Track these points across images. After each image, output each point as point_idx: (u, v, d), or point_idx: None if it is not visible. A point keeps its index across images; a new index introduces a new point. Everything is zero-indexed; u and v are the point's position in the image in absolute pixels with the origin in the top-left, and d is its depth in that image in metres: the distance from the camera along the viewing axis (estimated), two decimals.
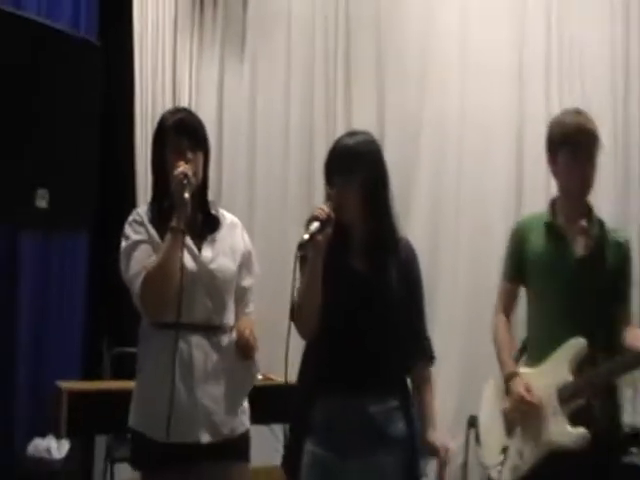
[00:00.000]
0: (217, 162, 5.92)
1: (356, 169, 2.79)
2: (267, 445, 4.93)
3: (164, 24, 5.98)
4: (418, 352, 2.93)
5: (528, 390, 3.19)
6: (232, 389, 3.01)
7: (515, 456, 3.27)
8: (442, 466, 2.85)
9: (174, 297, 2.83)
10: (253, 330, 3.01)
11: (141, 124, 5.85)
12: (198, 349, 2.93)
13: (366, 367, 2.79)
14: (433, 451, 2.84)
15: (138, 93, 5.87)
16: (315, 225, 2.67)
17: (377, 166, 2.87)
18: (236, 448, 3.01)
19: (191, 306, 2.91)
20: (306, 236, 2.65)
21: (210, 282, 2.96)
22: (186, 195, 2.83)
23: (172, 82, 6.06)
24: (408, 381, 2.92)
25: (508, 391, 3.27)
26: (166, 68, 6.01)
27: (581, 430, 3.10)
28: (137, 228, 2.97)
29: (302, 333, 2.80)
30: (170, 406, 2.82)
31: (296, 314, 2.76)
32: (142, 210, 3.04)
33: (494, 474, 3.35)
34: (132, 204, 5.54)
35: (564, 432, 3.13)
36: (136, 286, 2.86)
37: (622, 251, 3.34)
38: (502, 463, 3.29)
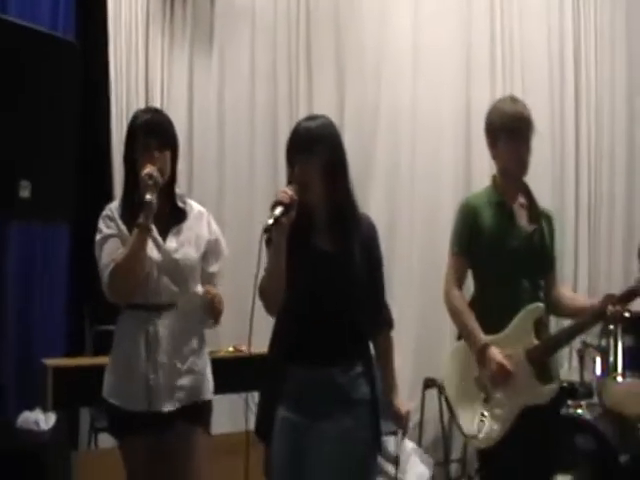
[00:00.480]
0: (188, 152, 5.91)
1: (317, 149, 2.79)
2: (237, 412, 4.99)
3: (137, 23, 5.94)
4: (380, 322, 2.98)
5: (505, 357, 3.23)
6: (196, 363, 3.08)
7: (492, 420, 3.30)
8: (403, 428, 2.91)
9: (138, 286, 2.94)
10: (219, 294, 3.05)
11: (116, 119, 5.82)
12: (164, 327, 3.01)
13: (330, 340, 2.82)
14: (396, 415, 2.89)
15: (113, 89, 5.83)
16: (279, 209, 2.67)
17: (336, 147, 2.86)
18: (198, 416, 3.08)
19: (157, 290, 3.00)
20: (270, 220, 2.65)
21: (174, 270, 3.02)
22: (148, 197, 2.87)
23: (145, 78, 6.02)
24: (371, 347, 2.96)
25: (482, 361, 3.27)
26: (139, 65, 5.97)
27: (552, 385, 3.22)
28: (108, 223, 3.05)
29: (269, 310, 2.83)
30: (147, 379, 2.91)
31: (262, 293, 2.79)
32: (114, 206, 3.11)
33: (473, 441, 3.38)
34: (110, 195, 5.53)
35: (537, 391, 3.21)
36: (105, 277, 2.96)
37: (550, 222, 3.46)
38: (481, 429, 3.31)
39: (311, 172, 2.78)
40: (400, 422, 2.91)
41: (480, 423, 3.31)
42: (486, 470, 3.48)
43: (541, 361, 3.24)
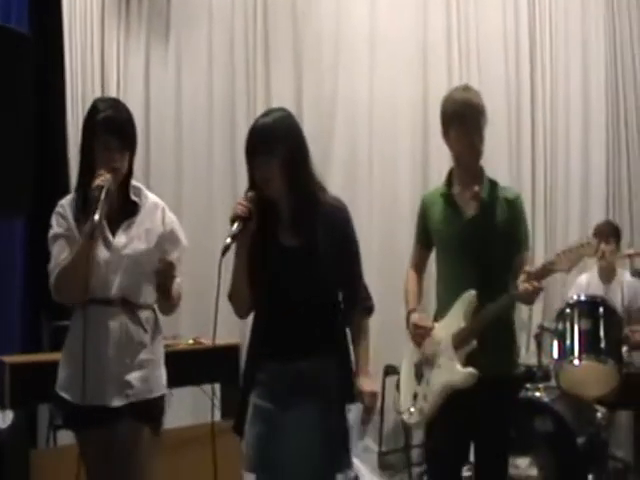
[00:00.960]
0: (145, 144, 5.87)
1: (276, 146, 2.77)
2: (200, 404, 4.98)
3: (92, 14, 5.88)
4: (355, 306, 2.98)
5: (423, 319, 3.38)
6: (146, 359, 3.06)
7: (422, 400, 3.40)
8: (368, 410, 2.93)
9: (83, 290, 2.91)
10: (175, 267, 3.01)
11: (72, 112, 5.76)
12: (114, 321, 2.99)
13: (300, 333, 2.83)
14: (361, 396, 2.90)
15: (68, 81, 5.78)
16: (236, 226, 2.71)
17: (295, 140, 2.85)
18: (148, 413, 3.05)
19: (108, 285, 2.99)
20: (228, 240, 2.70)
21: (123, 265, 3.00)
22: (96, 217, 2.83)
23: (101, 70, 5.98)
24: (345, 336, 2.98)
25: (407, 325, 3.43)
26: (95, 57, 5.92)
27: (469, 369, 3.23)
28: (60, 220, 3.03)
29: (238, 313, 2.91)
30: (83, 371, 2.87)
31: (230, 298, 2.86)
32: (66, 202, 3.08)
33: (405, 417, 3.51)
34: (66, 187, 5.48)
35: (455, 372, 3.25)
36: (51, 280, 2.97)
37: (513, 206, 3.42)
38: (412, 407, 3.43)
39: (271, 170, 2.78)
40: (362, 399, 2.91)
41: (412, 401, 3.44)
42: (426, 446, 3.72)
43: (465, 342, 3.27)
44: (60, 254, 2.97)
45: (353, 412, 2.97)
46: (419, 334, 3.39)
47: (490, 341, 3.27)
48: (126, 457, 3.00)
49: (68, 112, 5.77)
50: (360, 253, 2.97)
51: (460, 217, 3.38)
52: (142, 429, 3.01)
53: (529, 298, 3.16)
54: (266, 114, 2.92)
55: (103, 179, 2.89)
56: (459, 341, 3.28)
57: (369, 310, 3.02)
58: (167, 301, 3.08)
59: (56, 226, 3.03)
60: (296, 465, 2.80)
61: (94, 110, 3.02)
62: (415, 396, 3.43)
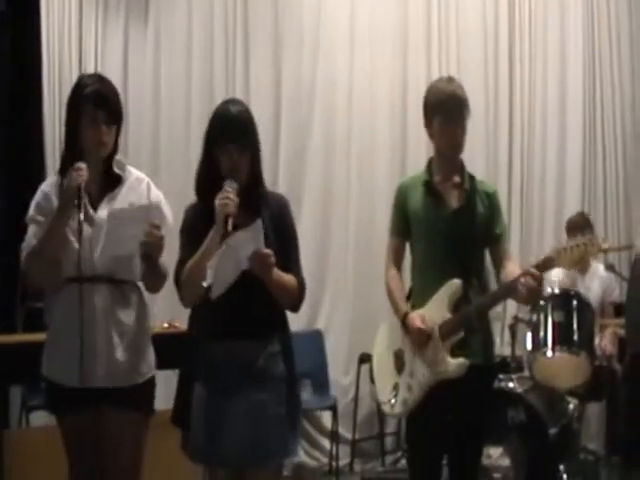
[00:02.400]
0: (122, 127, 5.80)
1: (250, 138, 2.85)
2: (173, 389, 4.94)
3: None
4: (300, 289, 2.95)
5: (423, 321, 3.27)
6: (134, 339, 3.00)
7: (405, 391, 3.35)
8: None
9: (52, 273, 2.88)
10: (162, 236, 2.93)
11: (48, 94, 5.69)
12: (100, 300, 2.93)
13: (243, 317, 2.83)
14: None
15: (45, 63, 5.70)
16: (230, 225, 2.70)
17: (257, 135, 2.92)
18: (138, 396, 3.01)
19: (92, 262, 2.91)
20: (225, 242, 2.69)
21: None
22: (81, 216, 2.78)
23: (78, 49, 5.90)
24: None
25: (406, 328, 3.32)
26: (72, 38, 5.85)
27: (460, 360, 3.22)
28: (36, 206, 2.97)
29: (185, 302, 2.90)
30: (81, 353, 2.80)
31: (182, 286, 2.85)
32: (48, 186, 3.01)
33: (387, 408, 3.46)
34: (42, 167, 5.42)
35: (445, 363, 3.23)
36: (21, 262, 2.92)
37: (491, 200, 3.44)
38: (393, 398, 3.38)
39: (244, 160, 2.83)
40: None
41: (392, 392, 3.39)
42: (408, 438, 3.57)
43: (452, 335, 3.26)
44: (31, 237, 2.92)
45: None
46: (422, 339, 3.29)
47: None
48: (116, 446, 2.95)
49: (45, 92, 5.69)
50: (299, 244, 3.00)
51: (443, 207, 3.37)
52: (131, 416, 2.97)
53: (531, 294, 3.13)
54: (236, 103, 2.95)
55: (80, 177, 2.81)
56: (446, 332, 3.26)
57: (301, 298, 2.95)
58: (154, 275, 3.00)
59: (32, 210, 2.97)
60: (244, 451, 2.79)
61: (80, 85, 2.98)
62: (395, 386, 3.39)
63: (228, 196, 2.74)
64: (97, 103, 2.89)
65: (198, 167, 2.96)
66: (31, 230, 2.95)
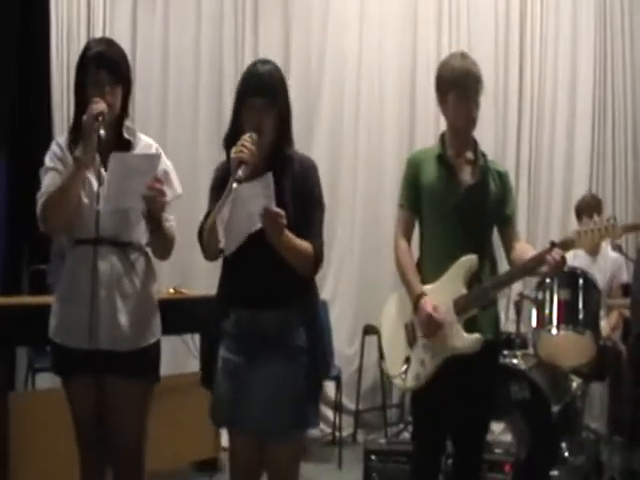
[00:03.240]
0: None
1: (279, 96, 2.80)
2: (179, 354, 4.95)
3: None
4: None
5: (436, 310, 3.22)
6: (138, 303, 2.97)
7: (417, 365, 3.31)
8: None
9: (70, 219, 2.83)
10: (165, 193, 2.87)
11: (57, 58, 5.65)
12: (104, 262, 2.89)
13: (265, 283, 2.78)
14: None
15: (54, 28, 5.66)
16: (242, 171, 2.63)
17: (288, 97, 2.86)
18: (142, 361, 2.98)
19: (98, 223, 2.85)
20: (235, 185, 2.61)
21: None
22: (102, 132, 2.74)
23: (87, 18, 5.86)
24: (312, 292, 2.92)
25: (416, 310, 3.27)
26: (81, 4, 5.81)
27: (476, 335, 3.20)
28: (53, 157, 2.94)
29: (209, 255, 2.82)
30: (91, 315, 2.78)
31: (203, 240, 2.79)
32: (62, 139, 3.00)
33: (398, 382, 3.41)
34: (49, 130, 5.37)
35: (461, 338, 3.21)
36: (38, 208, 2.86)
37: (503, 180, 3.43)
38: (405, 372, 3.34)
39: (268, 119, 2.76)
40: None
41: (404, 366, 3.35)
42: (414, 413, 3.54)
43: (467, 310, 3.24)
44: (50, 185, 2.87)
45: None
46: (429, 327, 3.25)
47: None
48: (120, 409, 2.93)
49: (53, 59, 5.66)
50: (324, 211, 2.90)
51: (457, 182, 3.33)
52: (135, 380, 2.93)
53: (556, 269, 3.11)
54: (264, 62, 2.89)
55: (100, 106, 2.78)
56: (462, 307, 3.23)
57: (319, 263, 2.87)
58: (159, 239, 2.95)
59: (49, 161, 2.94)
60: (264, 421, 2.77)
61: (86, 48, 2.97)
62: (407, 360, 3.34)
63: (244, 144, 2.68)
64: (100, 63, 2.87)
65: (228, 126, 2.90)
66: (48, 177, 2.90)
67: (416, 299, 3.27)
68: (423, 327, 3.27)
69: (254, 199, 2.63)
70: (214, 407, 2.89)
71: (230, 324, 2.85)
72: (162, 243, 2.99)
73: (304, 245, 2.76)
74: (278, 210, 2.63)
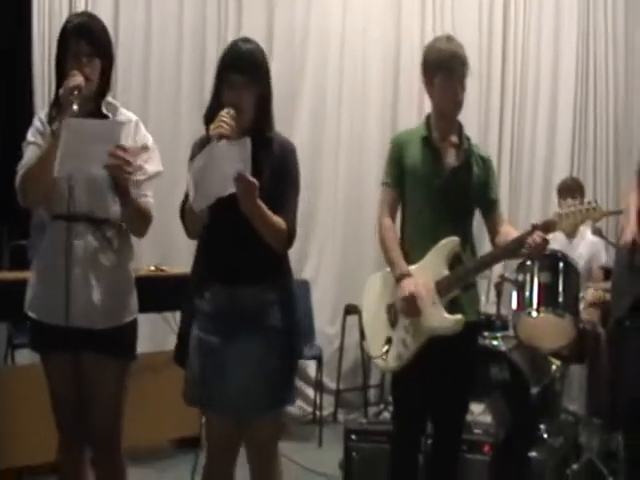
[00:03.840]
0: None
1: (260, 74, 2.79)
2: (158, 332, 4.92)
3: None
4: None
5: (418, 291, 3.22)
6: (114, 281, 2.94)
7: (399, 345, 3.32)
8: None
9: (48, 192, 2.80)
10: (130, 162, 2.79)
11: (38, 28, 5.56)
12: (78, 238, 2.86)
13: (240, 261, 2.78)
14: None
15: (35, 5, 5.56)
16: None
17: (269, 76, 2.85)
18: (118, 339, 2.94)
19: (72, 199, 2.83)
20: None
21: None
22: (75, 107, 2.68)
23: None
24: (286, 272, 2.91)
25: (399, 287, 3.27)
26: None
27: (458, 316, 3.21)
28: (35, 132, 2.92)
29: (192, 233, 2.82)
30: (66, 292, 2.76)
31: (187, 216, 2.77)
32: (43, 114, 2.97)
33: (380, 362, 3.41)
34: (30, 107, 5.31)
35: (442, 319, 3.22)
36: (16, 180, 2.83)
37: (487, 165, 3.45)
38: (387, 352, 3.33)
39: (248, 97, 2.75)
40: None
41: (386, 346, 3.34)
42: (395, 393, 3.54)
43: (449, 291, 3.25)
44: (29, 157, 2.84)
45: None
46: (409, 308, 3.24)
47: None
48: (96, 388, 2.92)
49: (34, 30, 5.55)
50: (298, 193, 2.89)
51: (441, 164, 3.34)
52: (111, 358, 2.91)
53: (538, 251, 3.11)
54: (248, 41, 2.88)
55: (76, 80, 2.74)
56: (443, 288, 3.24)
57: (290, 241, 2.85)
58: (131, 212, 2.87)
59: (31, 135, 2.91)
60: (240, 400, 2.76)
61: (67, 21, 2.96)
62: (389, 340, 3.34)
63: (222, 119, 2.66)
64: (79, 34, 2.85)
65: (209, 102, 2.87)
66: (29, 151, 2.87)
67: (400, 277, 3.27)
68: (404, 306, 3.26)
69: (230, 161, 2.60)
70: (187, 386, 2.87)
71: (205, 303, 2.83)
72: (135, 218, 2.93)
73: (277, 219, 2.75)
74: (253, 179, 2.61)
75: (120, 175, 2.76)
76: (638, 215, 3.49)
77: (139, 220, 2.94)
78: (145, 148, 2.97)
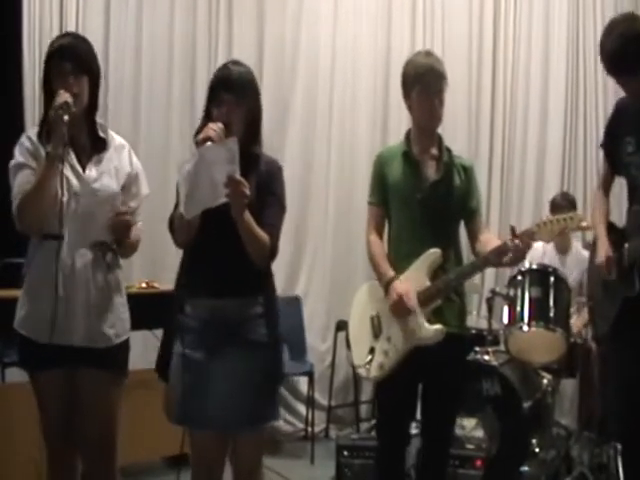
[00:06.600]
0: (103, 84, 5.68)
1: (249, 94, 2.87)
2: (150, 349, 4.92)
3: None
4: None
5: (407, 293, 3.27)
6: (109, 300, 2.99)
7: (381, 355, 3.37)
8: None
9: (48, 217, 2.84)
10: (131, 223, 2.97)
11: (29, 49, 5.61)
12: (80, 259, 2.91)
13: (225, 270, 2.82)
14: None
15: (26, 18, 5.61)
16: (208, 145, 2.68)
17: (259, 100, 2.94)
18: (112, 358, 2.99)
19: (62, 218, 2.87)
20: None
21: (92, 200, 2.90)
22: (65, 117, 2.76)
23: (59, 5, 5.81)
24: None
25: (387, 293, 3.32)
26: None
27: (437, 326, 3.26)
28: (24, 151, 2.94)
29: (180, 241, 2.87)
30: (54, 309, 2.81)
31: (176, 226, 2.82)
32: (32, 132, 3.00)
33: (362, 372, 3.47)
34: (21, 127, 5.33)
35: (423, 329, 3.26)
36: (14, 208, 2.87)
37: (468, 174, 3.49)
38: (370, 362, 3.39)
39: (237, 115, 2.82)
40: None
41: (369, 356, 3.40)
42: (378, 403, 3.62)
43: (430, 301, 3.29)
44: (24, 183, 2.87)
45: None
46: (403, 308, 3.28)
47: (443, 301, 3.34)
48: (89, 408, 2.95)
49: (25, 54, 5.61)
50: (284, 211, 2.96)
51: (422, 178, 3.40)
52: (105, 377, 2.95)
53: (518, 254, 3.13)
54: (237, 63, 2.97)
55: (62, 97, 2.80)
56: (424, 299, 3.29)
57: (272, 256, 2.90)
58: (125, 246, 3.04)
59: (19, 156, 2.94)
60: (224, 416, 2.80)
61: (51, 43, 3.02)
62: (372, 351, 3.40)
63: (211, 127, 2.73)
64: (63, 55, 2.90)
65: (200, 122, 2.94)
66: (22, 175, 2.90)
67: (388, 281, 3.32)
68: (393, 308, 3.31)
69: (218, 165, 2.64)
70: (170, 405, 2.90)
71: (190, 318, 2.87)
72: (127, 249, 3.07)
73: (262, 233, 2.80)
74: (242, 179, 2.65)
75: (121, 235, 2.94)
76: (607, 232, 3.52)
77: (130, 249, 3.08)
78: (136, 176, 3.09)
